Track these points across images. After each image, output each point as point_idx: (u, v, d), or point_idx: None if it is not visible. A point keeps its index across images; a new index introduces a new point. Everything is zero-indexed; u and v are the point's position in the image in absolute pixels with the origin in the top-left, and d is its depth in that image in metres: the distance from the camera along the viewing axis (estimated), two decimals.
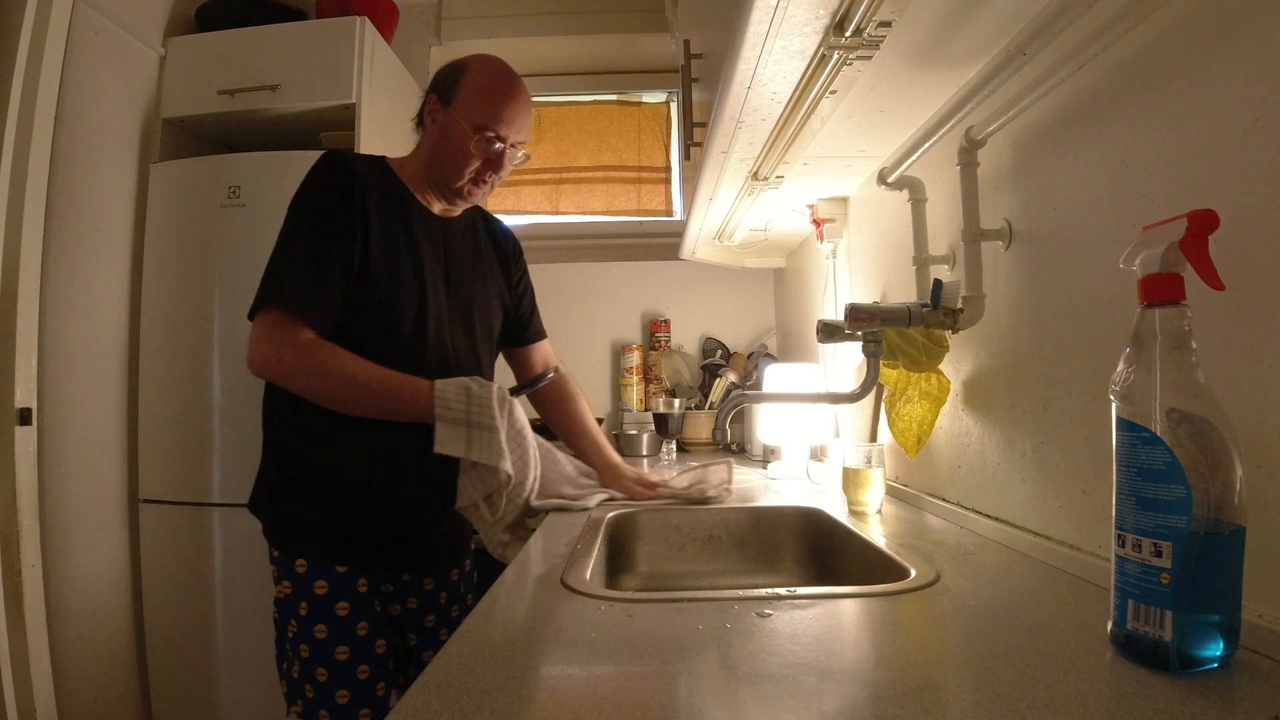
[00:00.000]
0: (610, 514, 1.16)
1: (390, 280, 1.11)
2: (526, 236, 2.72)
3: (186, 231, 1.81)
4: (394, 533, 1.12)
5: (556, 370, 1.38)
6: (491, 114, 1.11)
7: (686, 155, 1.61)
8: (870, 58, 0.86)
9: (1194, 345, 0.50)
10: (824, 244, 1.61)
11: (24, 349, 1.30)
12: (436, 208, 1.21)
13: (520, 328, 1.38)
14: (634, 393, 2.38)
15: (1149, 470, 0.49)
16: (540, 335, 1.42)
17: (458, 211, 1.25)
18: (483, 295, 1.26)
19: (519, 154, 1.18)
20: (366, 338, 1.08)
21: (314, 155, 1.16)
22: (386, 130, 1.98)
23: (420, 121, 1.20)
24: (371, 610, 1.08)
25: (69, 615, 1.58)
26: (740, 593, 0.72)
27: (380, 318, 1.10)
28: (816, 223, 1.59)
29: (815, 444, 1.61)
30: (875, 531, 1.00)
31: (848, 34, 0.81)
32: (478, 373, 1.22)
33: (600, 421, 2.23)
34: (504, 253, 1.34)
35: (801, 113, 1.05)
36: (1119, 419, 0.52)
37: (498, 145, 1.13)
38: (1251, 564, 0.49)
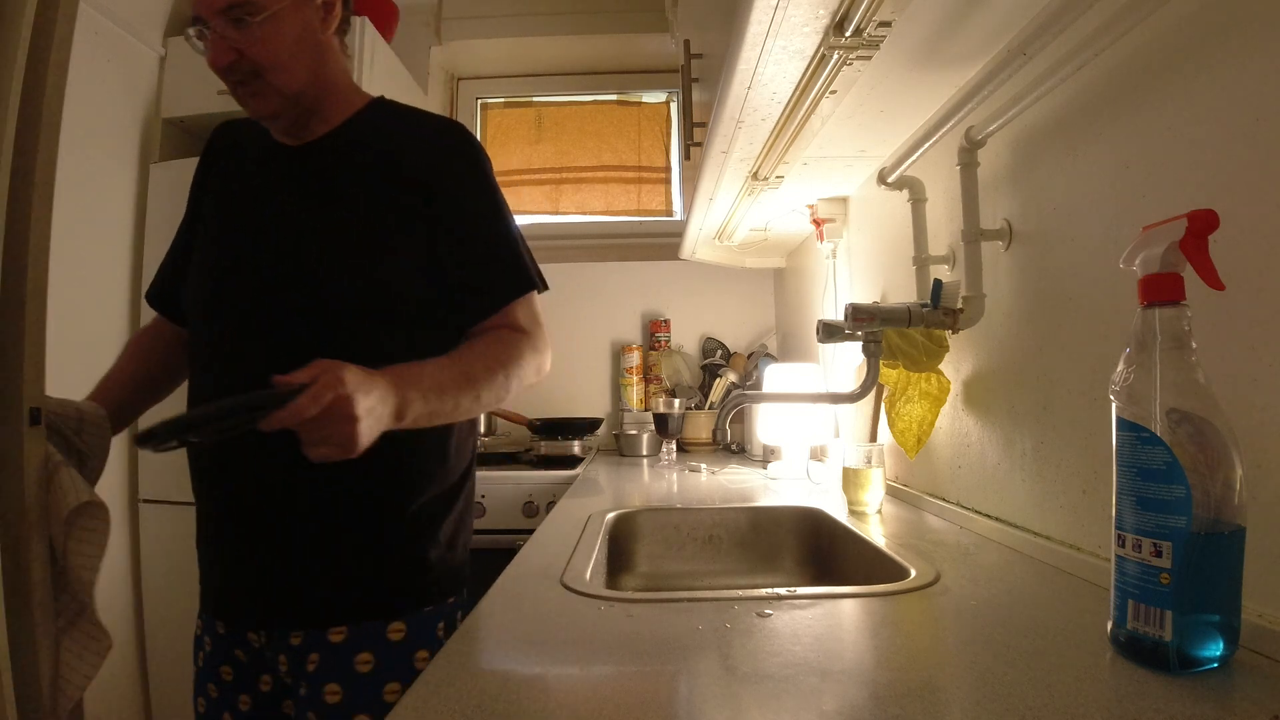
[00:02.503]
0: (610, 514, 1.16)
1: (198, 251, 0.92)
2: (527, 236, 2.73)
3: None
4: (227, 573, 0.86)
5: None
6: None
7: (686, 155, 1.61)
8: (870, 58, 0.86)
9: (1194, 345, 0.50)
10: (824, 244, 1.61)
11: (33, 349, 1.30)
12: (293, 141, 0.91)
13: (440, 292, 0.88)
14: (634, 393, 2.38)
15: (1149, 470, 0.49)
16: (486, 308, 0.88)
17: (320, 131, 0.90)
18: (331, 249, 0.84)
19: (238, 15, 0.81)
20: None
21: None
22: None
23: None
24: (227, 662, 0.86)
25: None
26: (740, 593, 0.72)
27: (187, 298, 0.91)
28: (816, 223, 1.59)
29: (815, 444, 1.61)
30: (875, 531, 1.00)
31: (848, 34, 0.81)
32: (282, 345, 0.82)
33: (599, 423, 2.25)
34: (407, 161, 0.88)
35: (801, 113, 1.05)
36: (1119, 419, 0.52)
37: (203, 30, 0.82)
38: (1251, 564, 0.49)
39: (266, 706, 0.85)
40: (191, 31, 0.84)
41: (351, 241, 0.85)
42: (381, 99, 0.96)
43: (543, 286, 0.94)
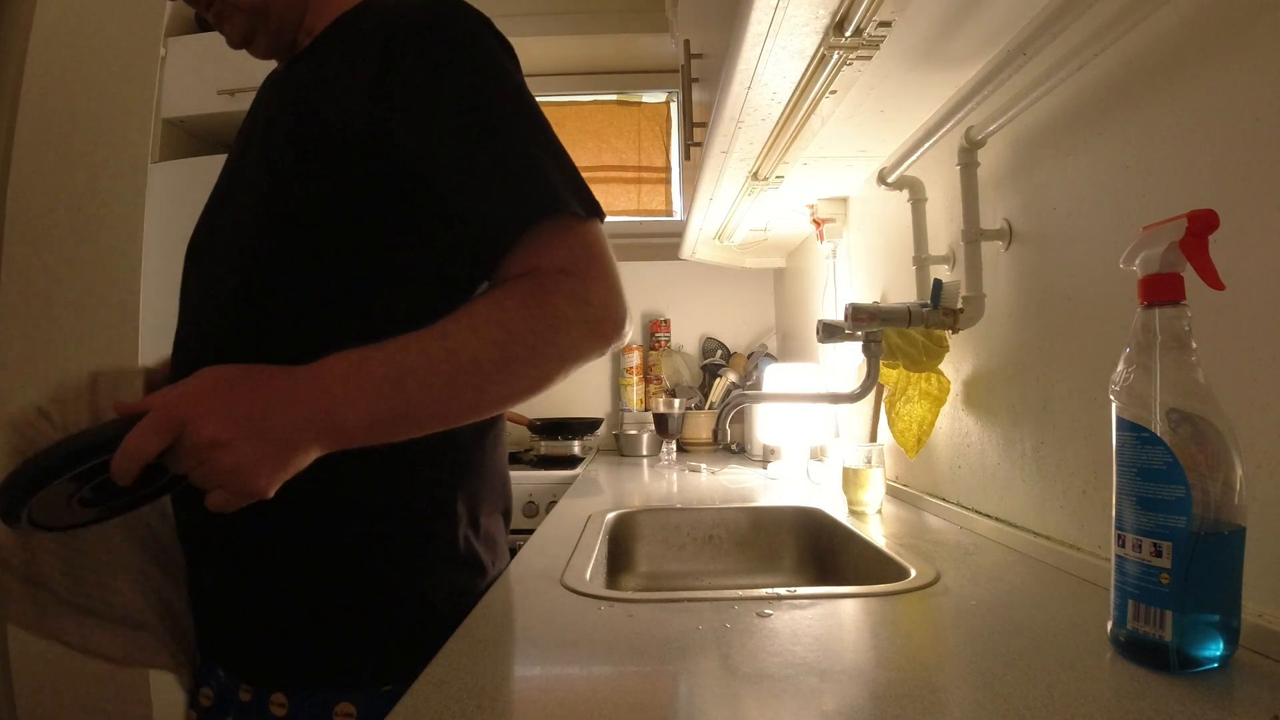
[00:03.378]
0: (610, 514, 1.16)
1: None
2: None
3: (186, 231, 1.81)
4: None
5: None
6: None
7: (686, 155, 1.61)
8: (870, 58, 0.86)
9: (1194, 345, 0.50)
10: (824, 244, 1.61)
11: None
12: (282, 64, 0.78)
13: (424, 231, 0.65)
14: (634, 393, 2.38)
15: (1149, 470, 0.49)
16: (506, 235, 0.59)
17: (300, 46, 0.74)
18: (291, 177, 0.64)
19: None
20: None
21: None
22: None
23: None
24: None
25: None
26: (740, 593, 0.72)
27: None
28: (816, 223, 1.59)
29: (815, 444, 1.61)
30: (875, 531, 1.00)
31: (848, 34, 0.81)
32: (231, 330, 0.65)
33: (598, 423, 2.25)
34: (381, 66, 0.62)
35: (801, 113, 1.05)
36: (1119, 419, 0.52)
37: None
38: (1251, 564, 0.49)
39: None
40: None
41: (315, 173, 0.63)
42: (369, 2, 0.72)
43: (586, 212, 0.63)
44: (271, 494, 0.52)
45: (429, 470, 0.67)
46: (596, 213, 0.64)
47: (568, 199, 0.61)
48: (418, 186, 0.62)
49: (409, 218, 0.64)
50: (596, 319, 0.59)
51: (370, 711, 0.62)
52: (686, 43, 1.50)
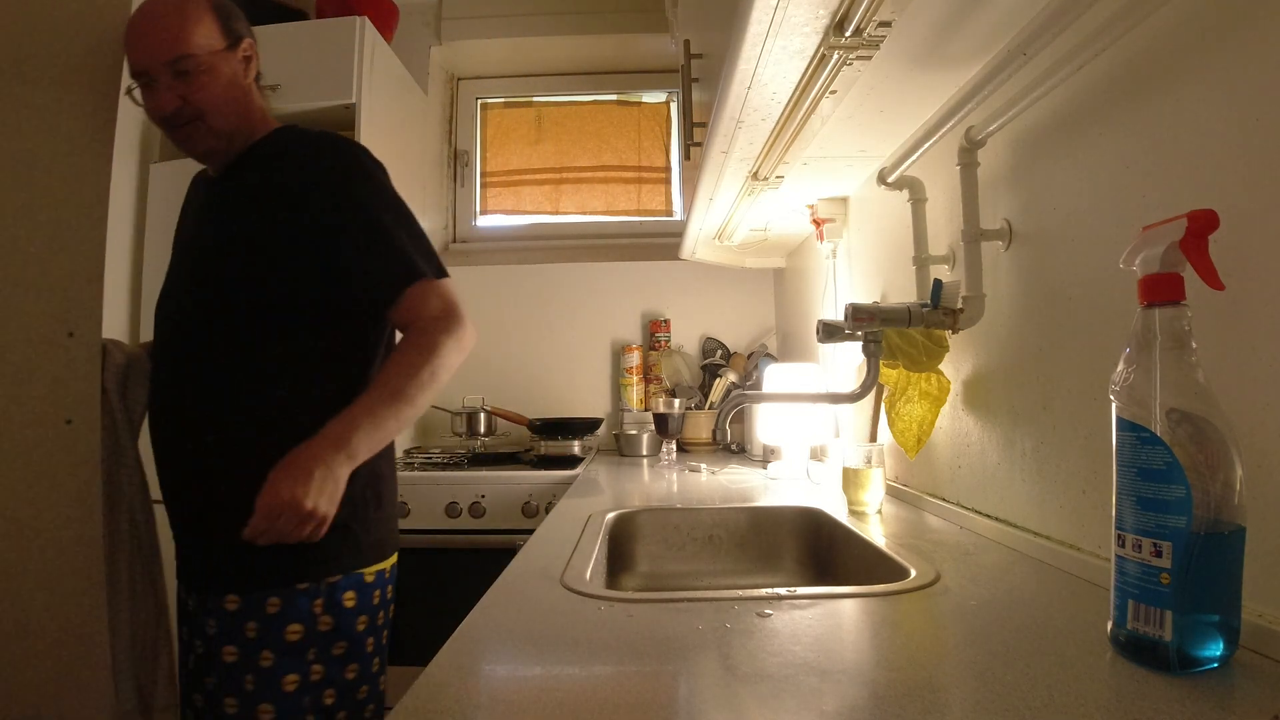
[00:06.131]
0: (610, 514, 1.16)
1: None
2: (527, 236, 2.76)
3: None
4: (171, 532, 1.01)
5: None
6: (127, 62, 0.95)
7: (686, 155, 1.60)
8: (870, 58, 0.86)
9: (1194, 345, 0.50)
10: (824, 244, 1.61)
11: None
12: (216, 172, 1.05)
13: (330, 284, 0.96)
14: (634, 393, 2.38)
15: (1149, 470, 0.49)
16: (381, 301, 0.97)
17: (234, 157, 1.02)
18: (227, 252, 0.97)
19: (183, 68, 0.93)
20: None
21: None
22: (386, 130, 1.98)
23: None
24: (185, 622, 1.00)
25: None
26: (740, 593, 0.72)
27: None
28: (816, 223, 1.59)
29: (815, 444, 1.61)
30: (875, 531, 1.00)
31: (848, 34, 0.81)
32: (230, 357, 0.95)
33: (599, 423, 2.25)
34: (289, 177, 0.98)
35: (801, 113, 1.05)
36: (1119, 419, 0.52)
37: (147, 84, 0.94)
38: (1251, 564, 0.49)
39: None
40: (132, 84, 0.95)
41: (243, 254, 0.96)
42: (287, 127, 1.05)
43: (435, 274, 0.98)
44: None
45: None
46: (444, 273, 1.00)
47: (421, 268, 0.97)
48: (327, 264, 0.96)
49: (321, 285, 0.97)
50: (460, 343, 0.97)
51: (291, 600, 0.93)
52: (686, 43, 1.50)
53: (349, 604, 0.94)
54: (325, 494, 0.87)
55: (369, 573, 0.97)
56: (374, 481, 1.00)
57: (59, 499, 0.93)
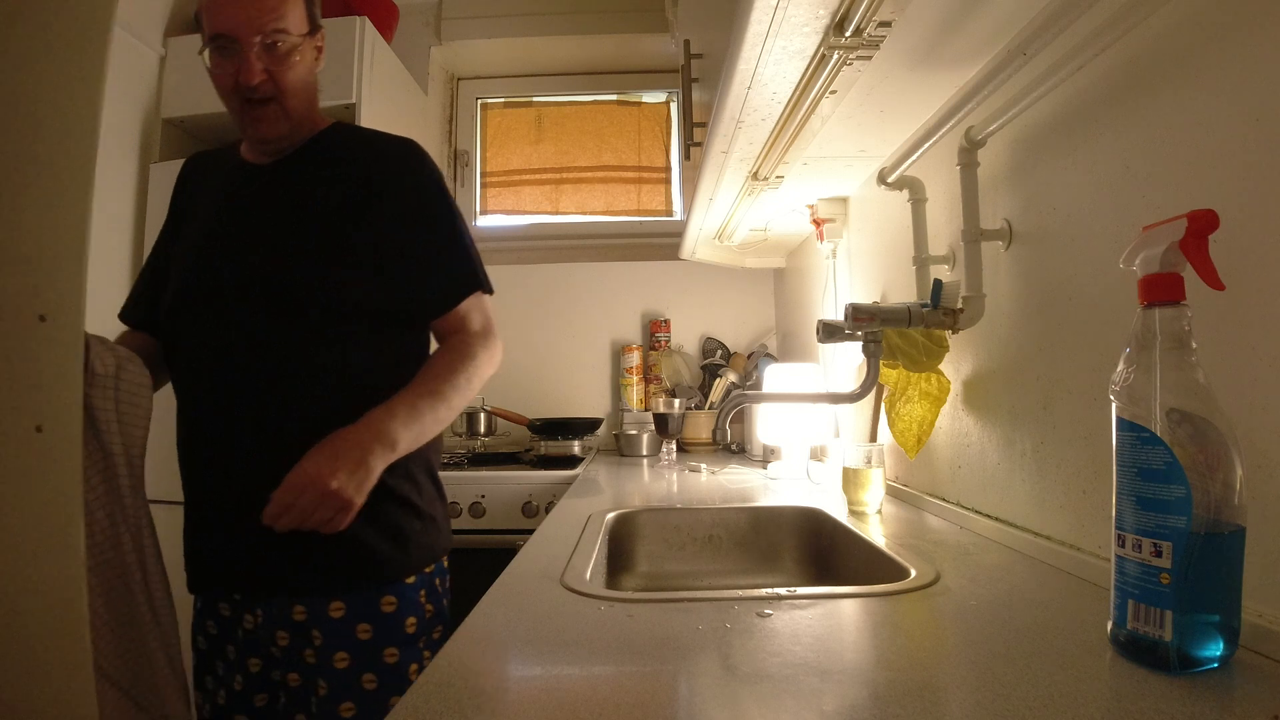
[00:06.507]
0: (610, 514, 1.16)
1: (181, 270, 0.98)
2: (527, 236, 2.76)
3: None
4: (212, 542, 0.96)
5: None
6: (209, 22, 0.90)
7: (686, 155, 1.61)
8: (870, 58, 0.86)
9: (1194, 345, 0.50)
10: (824, 244, 1.61)
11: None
12: (266, 159, 1.00)
13: (411, 291, 0.98)
14: (634, 393, 2.38)
15: (1149, 470, 0.49)
16: (437, 307, 0.99)
17: (290, 150, 1.00)
18: (295, 252, 0.93)
19: (274, 41, 0.90)
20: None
21: None
22: (386, 129, 1.97)
23: None
24: (232, 639, 0.95)
25: None
26: (740, 593, 0.72)
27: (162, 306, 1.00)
28: (816, 223, 1.59)
29: (815, 444, 1.61)
30: (875, 531, 1.00)
31: (848, 34, 0.81)
32: (288, 362, 0.92)
33: (599, 423, 2.25)
34: (360, 174, 0.97)
35: (801, 113, 1.05)
36: (1119, 419, 0.52)
37: (229, 49, 0.90)
38: (1251, 564, 0.49)
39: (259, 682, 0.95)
40: (212, 47, 0.90)
41: (312, 248, 0.94)
42: (341, 124, 1.06)
43: (488, 289, 1.02)
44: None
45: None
46: (489, 286, 1.03)
47: (482, 281, 1.01)
48: (399, 270, 0.96)
49: (389, 290, 0.96)
50: (493, 359, 1.00)
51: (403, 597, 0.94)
52: (686, 43, 1.50)
53: (439, 588, 1.01)
54: (355, 480, 0.83)
55: (444, 558, 1.04)
56: (433, 472, 1.04)
57: (24, 527, 0.65)
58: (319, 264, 0.93)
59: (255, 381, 0.92)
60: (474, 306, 1.00)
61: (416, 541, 0.96)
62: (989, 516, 0.96)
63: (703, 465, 1.84)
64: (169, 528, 1.76)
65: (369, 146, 1.01)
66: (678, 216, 2.61)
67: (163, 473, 1.85)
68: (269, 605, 0.92)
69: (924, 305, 1.01)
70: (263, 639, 0.93)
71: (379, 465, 0.86)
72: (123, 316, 1.07)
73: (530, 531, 1.07)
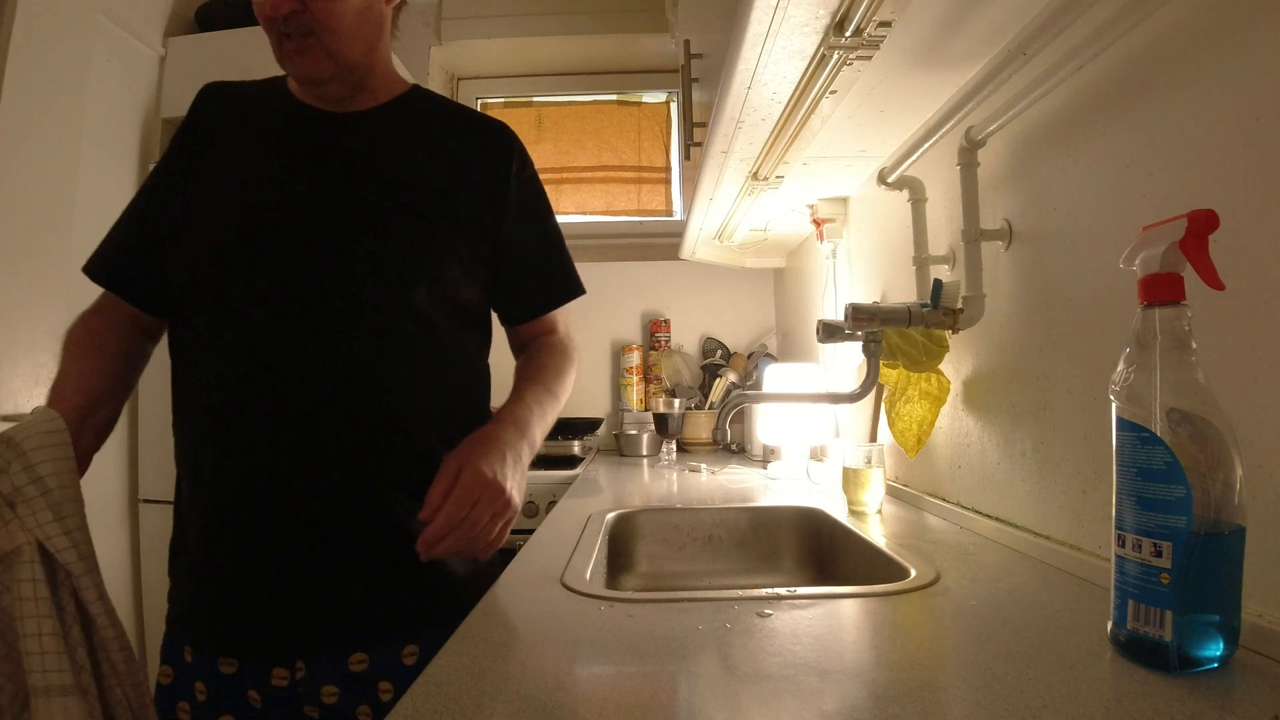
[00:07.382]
0: (610, 514, 1.16)
1: (203, 222, 0.80)
2: None
3: None
4: (227, 603, 0.80)
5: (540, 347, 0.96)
6: None
7: (686, 155, 1.61)
8: (870, 58, 0.86)
9: (1194, 345, 0.50)
10: (824, 244, 1.61)
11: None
12: (329, 107, 0.85)
13: (511, 288, 0.91)
14: (634, 393, 2.38)
15: (1149, 470, 0.49)
16: (541, 309, 0.94)
17: (366, 104, 0.85)
18: (376, 228, 0.79)
19: None
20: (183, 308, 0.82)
21: None
22: None
23: None
24: (230, 708, 0.77)
25: None
26: (740, 593, 0.72)
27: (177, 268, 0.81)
28: (816, 223, 1.59)
29: (815, 444, 1.61)
30: (875, 531, 1.00)
31: (848, 34, 0.81)
32: (372, 347, 0.77)
33: (598, 424, 2.25)
34: (483, 153, 0.88)
35: (801, 113, 1.05)
36: (1119, 419, 0.52)
37: None
38: (1251, 564, 0.49)
39: None
40: None
41: (400, 230, 0.80)
42: (419, 87, 0.92)
43: (583, 291, 0.99)
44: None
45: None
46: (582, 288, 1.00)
47: (581, 285, 0.98)
48: (493, 264, 0.88)
49: (488, 289, 0.90)
50: (577, 359, 0.97)
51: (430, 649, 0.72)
52: (686, 43, 1.50)
53: None
54: (517, 481, 0.72)
55: None
56: None
57: None
58: (408, 255, 0.79)
59: (339, 371, 0.75)
60: (564, 310, 0.98)
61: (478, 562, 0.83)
62: (989, 516, 0.96)
63: (703, 465, 1.84)
64: (163, 527, 1.74)
65: (475, 128, 0.90)
66: (678, 216, 2.61)
67: (162, 473, 1.84)
68: (315, 656, 0.74)
69: (924, 305, 1.01)
70: (301, 698, 0.74)
71: (527, 466, 0.77)
72: (94, 273, 0.87)
73: (530, 531, 1.07)
